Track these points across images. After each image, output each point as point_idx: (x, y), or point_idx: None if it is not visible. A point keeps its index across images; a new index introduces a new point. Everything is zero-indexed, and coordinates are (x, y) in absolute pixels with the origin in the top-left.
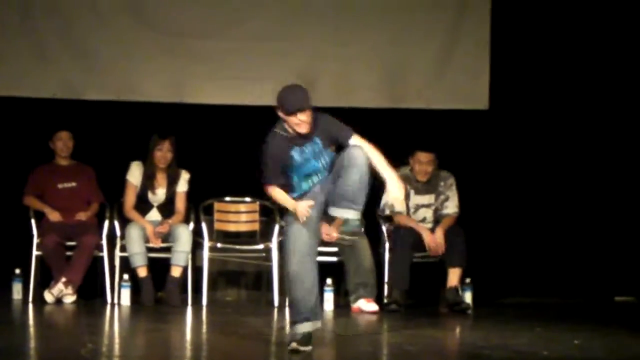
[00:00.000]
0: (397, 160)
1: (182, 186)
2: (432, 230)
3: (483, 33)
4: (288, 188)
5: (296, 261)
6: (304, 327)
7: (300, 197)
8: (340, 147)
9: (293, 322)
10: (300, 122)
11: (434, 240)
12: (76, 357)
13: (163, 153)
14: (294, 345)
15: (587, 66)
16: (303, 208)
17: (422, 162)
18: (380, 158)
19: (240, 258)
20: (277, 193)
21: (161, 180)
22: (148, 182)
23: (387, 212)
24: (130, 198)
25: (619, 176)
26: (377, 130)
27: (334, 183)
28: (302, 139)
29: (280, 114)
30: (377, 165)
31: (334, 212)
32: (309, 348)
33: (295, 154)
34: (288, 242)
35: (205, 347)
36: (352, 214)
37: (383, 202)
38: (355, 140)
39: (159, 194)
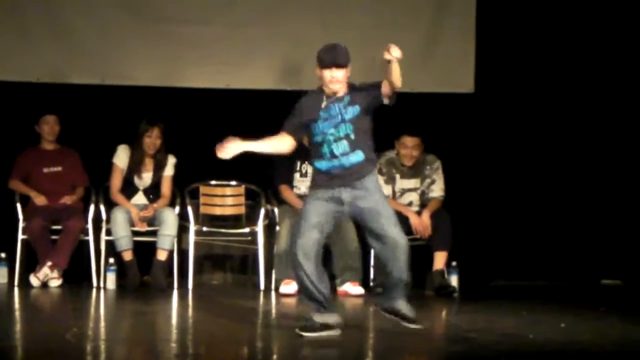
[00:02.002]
0: (383, 144)
1: (169, 170)
2: (419, 214)
3: (469, 17)
4: (315, 153)
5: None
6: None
7: (322, 173)
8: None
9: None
10: (333, 78)
11: (421, 222)
12: (62, 341)
13: (152, 140)
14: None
15: (572, 49)
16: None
17: (408, 146)
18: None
19: (226, 241)
20: (273, 137)
21: (148, 165)
22: (135, 166)
23: None
24: (116, 182)
25: (604, 159)
26: None
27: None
28: (333, 97)
29: (318, 71)
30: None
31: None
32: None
33: (323, 106)
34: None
35: (190, 331)
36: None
37: None
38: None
39: (146, 179)
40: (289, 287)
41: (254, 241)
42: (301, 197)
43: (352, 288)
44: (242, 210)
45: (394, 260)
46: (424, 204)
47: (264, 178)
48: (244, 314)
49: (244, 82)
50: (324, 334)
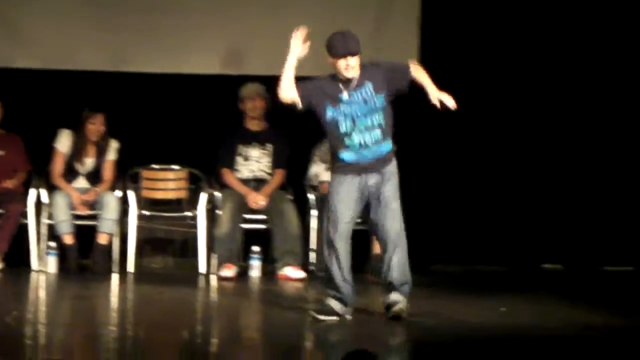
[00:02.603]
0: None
1: (111, 155)
2: None
3: (413, 7)
4: (339, 146)
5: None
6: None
7: (349, 164)
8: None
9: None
10: (349, 66)
11: None
12: (1, 324)
13: (96, 127)
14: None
15: (518, 38)
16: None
17: None
18: (426, 77)
19: (167, 225)
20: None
21: (90, 150)
22: (77, 152)
23: (313, 182)
24: (57, 166)
25: (544, 143)
26: None
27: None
28: (352, 83)
29: (330, 58)
30: (425, 83)
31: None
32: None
33: (344, 95)
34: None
35: (131, 314)
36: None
37: (310, 172)
38: (413, 67)
39: (87, 164)
40: (229, 270)
41: (195, 225)
42: (242, 181)
43: (293, 272)
44: (183, 194)
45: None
46: None
47: (205, 162)
48: (184, 297)
49: (188, 67)
50: (334, 318)
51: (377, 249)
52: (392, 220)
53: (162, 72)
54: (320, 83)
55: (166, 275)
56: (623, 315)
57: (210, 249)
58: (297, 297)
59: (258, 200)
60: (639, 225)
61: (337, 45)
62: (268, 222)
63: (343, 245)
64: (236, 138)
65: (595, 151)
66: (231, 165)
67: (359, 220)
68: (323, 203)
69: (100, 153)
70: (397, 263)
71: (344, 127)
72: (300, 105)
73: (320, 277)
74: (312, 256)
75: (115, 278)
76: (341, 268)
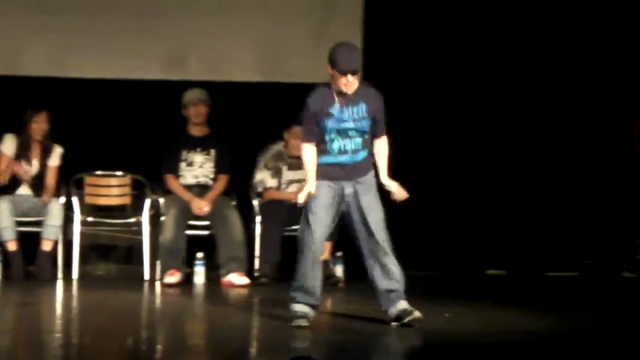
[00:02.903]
0: (270, 137)
1: (54, 161)
2: None
3: (356, 9)
4: (320, 148)
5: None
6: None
7: (327, 165)
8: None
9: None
10: (349, 82)
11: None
12: None
13: (40, 125)
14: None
15: (460, 39)
16: (311, 189)
17: (299, 135)
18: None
19: (111, 232)
20: (307, 156)
21: (35, 152)
22: (22, 153)
23: (259, 189)
24: (2, 168)
25: (488, 149)
26: (253, 105)
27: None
28: (346, 98)
29: (331, 70)
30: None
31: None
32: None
33: (335, 110)
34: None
35: (75, 321)
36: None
37: (256, 179)
38: (385, 139)
39: (32, 167)
40: (174, 277)
41: (139, 231)
42: (186, 186)
43: (237, 278)
44: (127, 200)
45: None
46: None
47: (149, 168)
48: (129, 304)
49: (131, 73)
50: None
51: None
52: (377, 229)
53: (105, 78)
54: (312, 103)
55: (111, 282)
56: (566, 320)
57: (154, 256)
58: (240, 303)
59: (202, 206)
60: (582, 231)
61: (341, 61)
62: (212, 228)
63: (319, 249)
64: (179, 144)
65: (538, 158)
66: (175, 171)
67: None
68: (267, 209)
69: (45, 155)
70: (396, 270)
71: (328, 137)
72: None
73: (262, 283)
74: (257, 262)
75: (59, 284)
76: (314, 271)
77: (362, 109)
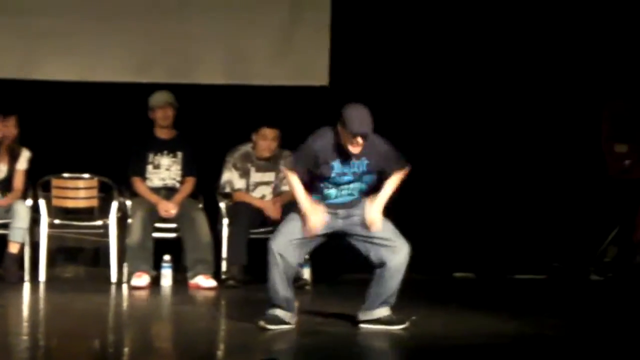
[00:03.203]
0: (238, 138)
1: (22, 164)
2: None
3: (324, 11)
4: (312, 189)
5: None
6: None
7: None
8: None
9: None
10: (357, 144)
11: (272, 205)
12: None
13: (8, 129)
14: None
15: (427, 43)
16: (315, 221)
17: (268, 137)
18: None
19: (78, 234)
20: (295, 182)
21: (3, 157)
22: None
23: (227, 189)
24: None
25: (454, 151)
26: (220, 108)
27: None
28: (349, 155)
29: (341, 129)
30: (383, 193)
31: (369, 315)
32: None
33: (337, 164)
34: (282, 225)
35: (42, 324)
36: (385, 311)
37: (223, 179)
38: (404, 170)
39: (0, 172)
40: (141, 279)
41: (106, 234)
42: (153, 189)
43: (204, 281)
44: (94, 202)
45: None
46: (276, 197)
47: (116, 170)
48: (96, 306)
49: (97, 75)
50: (284, 327)
51: None
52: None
53: (72, 80)
54: (315, 148)
55: (78, 284)
56: (533, 323)
57: (121, 258)
58: (208, 306)
59: (169, 208)
60: (550, 234)
61: (353, 123)
62: (179, 230)
63: (291, 254)
64: (146, 146)
65: (505, 161)
66: (142, 174)
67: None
68: (234, 211)
69: (13, 159)
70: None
71: (326, 186)
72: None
73: (229, 286)
74: (224, 265)
75: (26, 287)
76: (288, 275)
77: (363, 164)
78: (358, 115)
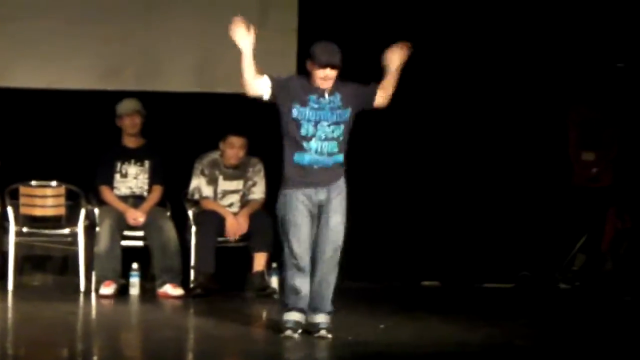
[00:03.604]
0: (205, 145)
1: None
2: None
3: (291, 18)
4: (297, 146)
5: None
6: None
7: (300, 167)
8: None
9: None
10: (326, 77)
11: (234, 223)
12: None
13: None
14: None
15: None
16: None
17: (235, 145)
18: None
19: (46, 242)
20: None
21: None
22: None
23: (196, 196)
24: None
25: (421, 159)
26: (188, 115)
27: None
28: (322, 90)
29: (310, 65)
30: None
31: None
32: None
33: (313, 98)
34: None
35: (11, 333)
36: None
37: (192, 186)
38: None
39: None
40: (109, 288)
41: (74, 242)
42: (121, 197)
43: (172, 290)
44: (62, 211)
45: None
46: (244, 205)
47: (83, 178)
48: (65, 315)
49: (63, 83)
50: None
51: (256, 266)
52: (334, 234)
53: (39, 88)
54: (292, 81)
55: (46, 293)
56: (501, 331)
57: (89, 266)
58: (176, 314)
59: (136, 216)
60: (518, 242)
61: (320, 55)
62: (147, 238)
63: (306, 259)
64: (114, 155)
65: (473, 169)
66: (109, 182)
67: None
68: (202, 219)
69: None
70: (332, 281)
71: (304, 130)
72: (266, 97)
73: (197, 294)
74: (192, 273)
75: None
76: (305, 276)
77: (337, 98)
78: (326, 48)
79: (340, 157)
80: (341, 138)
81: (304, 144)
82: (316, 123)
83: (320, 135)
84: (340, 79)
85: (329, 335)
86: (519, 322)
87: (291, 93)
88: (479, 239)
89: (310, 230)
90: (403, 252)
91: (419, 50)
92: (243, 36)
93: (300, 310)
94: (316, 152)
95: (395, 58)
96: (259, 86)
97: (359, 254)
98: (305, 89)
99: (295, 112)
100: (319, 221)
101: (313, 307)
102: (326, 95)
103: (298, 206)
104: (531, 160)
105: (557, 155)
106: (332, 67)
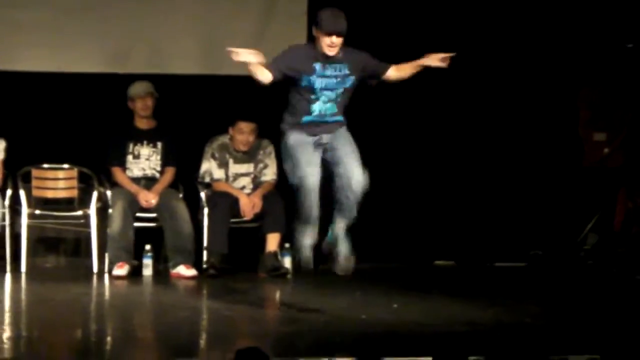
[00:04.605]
0: (218, 128)
1: None
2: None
3: (300, 1)
4: (299, 109)
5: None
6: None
7: (304, 124)
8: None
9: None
10: (333, 44)
11: (248, 203)
12: None
13: None
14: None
15: (403, 38)
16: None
17: (244, 131)
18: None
19: (59, 225)
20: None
21: None
22: None
23: (207, 179)
24: None
25: (435, 140)
26: (198, 98)
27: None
28: (330, 58)
29: (316, 32)
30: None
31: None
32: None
33: (318, 65)
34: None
35: (24, 314)
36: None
37: (202, 169)
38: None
39: None
40: (122, 269)
41: (87, 224)
42: (133, 179)
43: (185, 270)
44: (74, 193)
45: (349, 192)
46: (256, 187)
47: (95, 160)
48: (78, 296)
49: (75, 66)
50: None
51: (269, 247)
52: (352, 161)
53: (50, 71)
54: (296, 54)
55: (59, 275)
56: (513, 311)
57: (102, 248)
58: (189, 295)
59: (149, 198)
60: (530, 221)
61: (326, 22)
62: (159, 220)
63: (315, 195)
64: (126, 136)
65: (484, 149)
66: (121, 164)
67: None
68: (214, 200)
69: None
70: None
71: (312, 94)
72: (276, 80)
73: (210, 275)
74: (205, 254)
75: (8, 278)
76: (314, 212)
77: (344, 67)
78: (332, 15)
79: (340, 117)
80: (341, 101)
81: (307, 107)
82: (321, 89)
83: (324, 99)
84: (354, 46)
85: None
86: (531, 302)
87: (296, 67)
88: (491, 218)
89: (319, 169)
90: (416, 232)
91: (432, 31)
92: (244, 56)
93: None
94: (319, 113)
95: (432, 59)
96: (269, 77)
97: (373, 234)
98: (310, 57)
99: (304, 82)
100: (330, 157)
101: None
102: (333, 64)
103: (303, 138)
104: (543, 141)
105: (568, 136)
106: (338, 34)
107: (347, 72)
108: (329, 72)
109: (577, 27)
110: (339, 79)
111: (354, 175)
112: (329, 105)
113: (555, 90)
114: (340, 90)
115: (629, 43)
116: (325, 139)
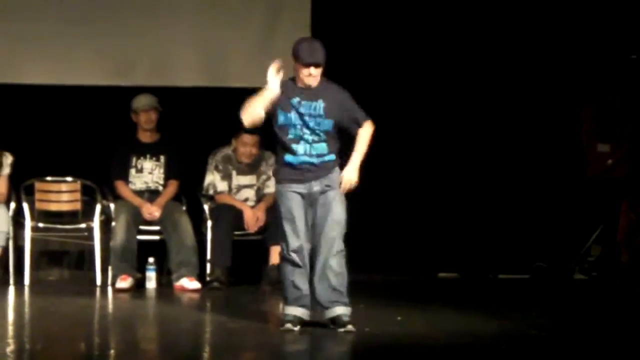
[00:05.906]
0: (221, 140)
1: (5, 169)
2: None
3: (304, 13)
4: (285, 147)
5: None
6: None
7: (292, 167)
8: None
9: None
10: (311, 75)
11: (252, 216)
12: None
13: None
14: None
15: (407, 44)
16: (272, 85)
17: (247, 143)
18: (363, 147)
19: (62, 237)
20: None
21: None
22: None
23: (210, 191)
24: None
25: (438, 152)
26: (201, 110)
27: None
28: (306, 94)
29: (295, 64)
30: (356, 153)
31: (330, 313)
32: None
33: (296, 100)
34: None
35: (28, 327)
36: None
37: (206, 181)
38: (368, 125)
39: None
40: (125, 282)
41: (90, 237)
42: (136, 192)
43: (189, 283)
44: (78, 206)
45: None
46: (260, 199)
47: (99, 173)
48: (81, 309)
49: (77, 79)
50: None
51: (272, 259)
52: (332, 223)
53: (54, 84)
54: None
55: (62, 287)
56: (517, 322)
57: (105, 261)
58: (192, 308)
59: (152, 211)
60: (534, 233)
61: (303, 53)
62: (163, 233)
63: (305, 255)
64: (129, 150)
65: (488, 161)
66: (124, 177)
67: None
68: (217, 213)
69: None
70: (336, 266)
71: (292, 133)
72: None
73: (214, 287)
74: (208, 267)
75: (11, 291)
76: (304, 274)
77: (320, 106)
78: (309, 46)
79: (331, 157)
80: (328, 141)
81: (293, 147)
82: (301, 127)
83: (307, 139)
84: (334, 80)
85: (354, 329)
86: (535, 314)
87: (275, 101)
88: (494, 230)
89: (306, 224)
90: (420, 244)
91: (437, 40)
92: (272, 77)
93: (302, 306)
94: (305, 154)
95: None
96: (253, 119)
97: (377, 247)
98: (290, 92)
99: (282, 118)
100: (316, 213)
101: (332, 301)
102: (308, 100)
103: (293, 198)
104: (546, 152)
105: (572, 147)
106: (316, 65)
107: (322, 112)
108: (304, 110)
109: (582, 39)
110: (312, 119)
111: (327, 266)
112: (315, 145)
113: (559, 101)
114: (322, 130)
115: (633, 54)
116: (317, 189)
